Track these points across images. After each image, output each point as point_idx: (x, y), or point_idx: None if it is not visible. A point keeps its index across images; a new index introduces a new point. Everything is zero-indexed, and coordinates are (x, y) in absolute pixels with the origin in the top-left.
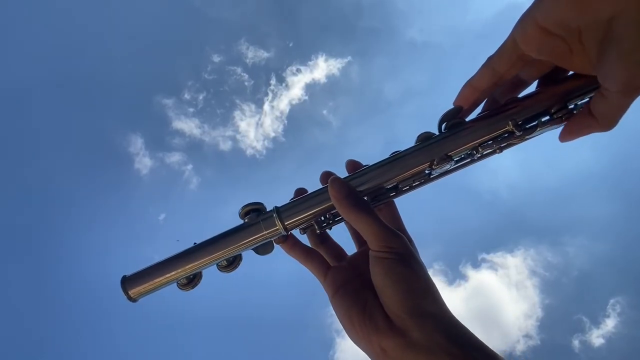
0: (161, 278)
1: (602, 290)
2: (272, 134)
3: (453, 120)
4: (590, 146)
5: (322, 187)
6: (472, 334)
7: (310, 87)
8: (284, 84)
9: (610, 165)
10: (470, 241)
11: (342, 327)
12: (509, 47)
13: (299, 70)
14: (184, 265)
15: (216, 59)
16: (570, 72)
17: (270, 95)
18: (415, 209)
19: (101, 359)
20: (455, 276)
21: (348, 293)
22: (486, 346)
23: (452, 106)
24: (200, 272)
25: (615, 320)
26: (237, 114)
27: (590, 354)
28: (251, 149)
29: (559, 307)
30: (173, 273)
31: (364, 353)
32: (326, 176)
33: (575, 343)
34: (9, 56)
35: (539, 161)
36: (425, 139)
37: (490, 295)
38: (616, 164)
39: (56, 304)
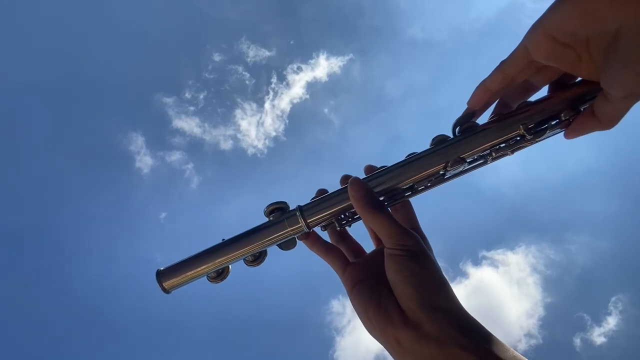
0: (193, 271)
1: (604, 288)
2: (273, 133)
3: (466, 124)
4: (593, 143)
5: (342, 187)
6: (482, 326)
7: (311, 86)
8: (284, 82)
9: (612, 163)
10: (471, 238)
11: (359, 319)
12: (520, 53)
13: (299, 69)
14: (214, 259)
15: (217, 57)
16: (579, 79)
17: (271, 93)
18: (416, 205)
19: (103, 358)
20: (456, 273)
21: (365, 288)
22: (495, 338)
23: (451, 103)
24: (229, 267)
25: (617, 317)
26: (238, 112)
27: (592, 352)
28: (252, 148)
29: (560, 305)
30: (204, 267)
31: (364, 350)
32: (346, 179)
33: (577, 341)
34: (11, 55)
35: (542, 158)
36: (440, 141)
37: (491, 293)
38: (618, 161)
39: (56, 302)
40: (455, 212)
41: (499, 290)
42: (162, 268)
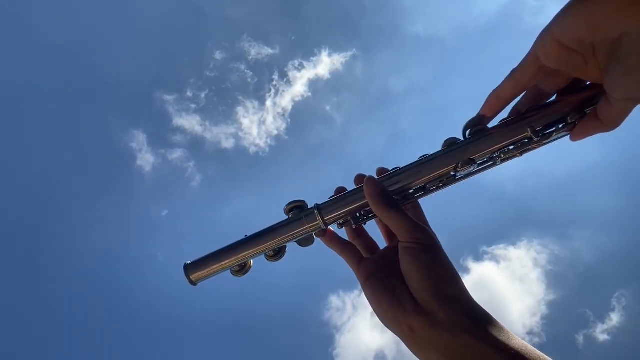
0: (217, 265)
1: (607, 284)
2: (275, 132)
3: (476, 127)
4: (596, 140)
5: (358, 186)
6: (490, 315)
7: (313, 83)
8: (285, 80)
9: (616, 159)
10: (473, 234)
11: (373, 311)
12: (531, 60)
13: (301, 66)
14: (237, 254)
15: (218, 56)
16: (587, 83)
17: (273, 91)
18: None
19: (104, 357)
20: (457, 269)
21: (378, 281)
22: (504, 327)
23: (454, 100)
24: (250, 261)
25: (620, 313)
26: (239, 110)
27: (595, 349)
28: (254, 147)
29: (562, 300)
30: (227, 261)
31: (364, 349)
32: (360, 178)
33: (580, 339)
34: (12, 54)
35: (545, 155)
36: (450, 144)
37: (493, 288)
38: (622, 158)
39: (57, 300)
40: (457, 208)
41: (501, 286)
42: (189, 262)
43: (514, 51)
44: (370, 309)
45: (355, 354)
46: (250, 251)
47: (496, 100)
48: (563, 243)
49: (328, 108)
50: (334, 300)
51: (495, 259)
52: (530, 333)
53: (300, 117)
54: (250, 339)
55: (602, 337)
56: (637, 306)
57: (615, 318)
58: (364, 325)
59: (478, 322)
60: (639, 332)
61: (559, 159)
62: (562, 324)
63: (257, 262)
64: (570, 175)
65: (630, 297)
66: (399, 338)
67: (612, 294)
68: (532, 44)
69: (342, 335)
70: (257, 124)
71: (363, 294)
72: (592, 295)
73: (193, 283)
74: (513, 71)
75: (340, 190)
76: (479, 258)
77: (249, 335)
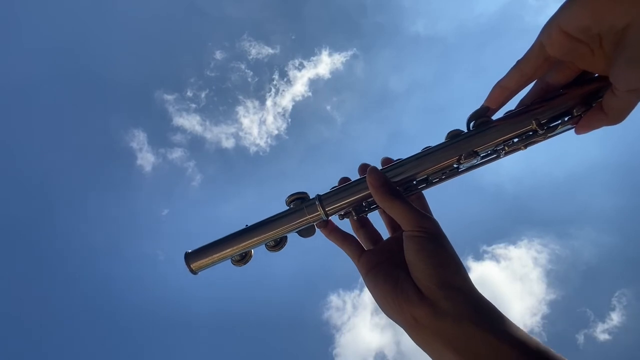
0: (218, 254)
1: (608, 283)
2: (276, 131)
3: (480, 118)
4: (597, 139)
5: (360, 177)
6: (494, 306)
7: (313, 83)
8: (285, 79)
9: (617, 158)
10: (473, 233)
11: (375, 302)
12: (536, 50)
13: (302, 65)
14: (238, 243)
15: (219, 55)
16: (594, 75)
17: (273, 91)
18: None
19: (103, 357)
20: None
21: (380, 272)
22: (507, 318)
23: (454, 99)
24: (251, 251)
25: (620, 313)
26: (240, 110)
27: (595, 348)
28: (254, 146)
29: (563, 299)
30: (228, 250)
31: (366, 347)
32: (364, 167)
33: (580, 338)
34: (13, 52)
35: (545, 154)
36: (454, 135)
37: (493, 288)
38: (623, 157)
39: (58, 299)
40: (457, 207)
41: (501, 286)
42: (189, 250)
43: (514, 50)
44: (370, 308)
45: (355, 354)
46: (251, 241)
47: (500, 92)
48: (563, 242)
49: (328, 107)
50: (334, 299)
51: (496, 258)
52: (530, 332)
53: (300, 116)
54: (250, 339)
55: (603, 336)
56: (638, 305)
57: (616, 317)
58: (364, 325)
59: (483, 313)
60: (639, 331)
61: (560, 157)
62: (563, 323)
63: (257, 263)
64: (571, 173)
65: (631, 297)
66: (402, 328)
67: (612, 293)
68: (532, 43)
69: (342, 334)
70: (258, 124)
71: (363, 294)
72: (593, 295)
73: (193, 272)
74: (518, 62)
75: (344, 180)
76: (479, 257)
77: (248, 335)
